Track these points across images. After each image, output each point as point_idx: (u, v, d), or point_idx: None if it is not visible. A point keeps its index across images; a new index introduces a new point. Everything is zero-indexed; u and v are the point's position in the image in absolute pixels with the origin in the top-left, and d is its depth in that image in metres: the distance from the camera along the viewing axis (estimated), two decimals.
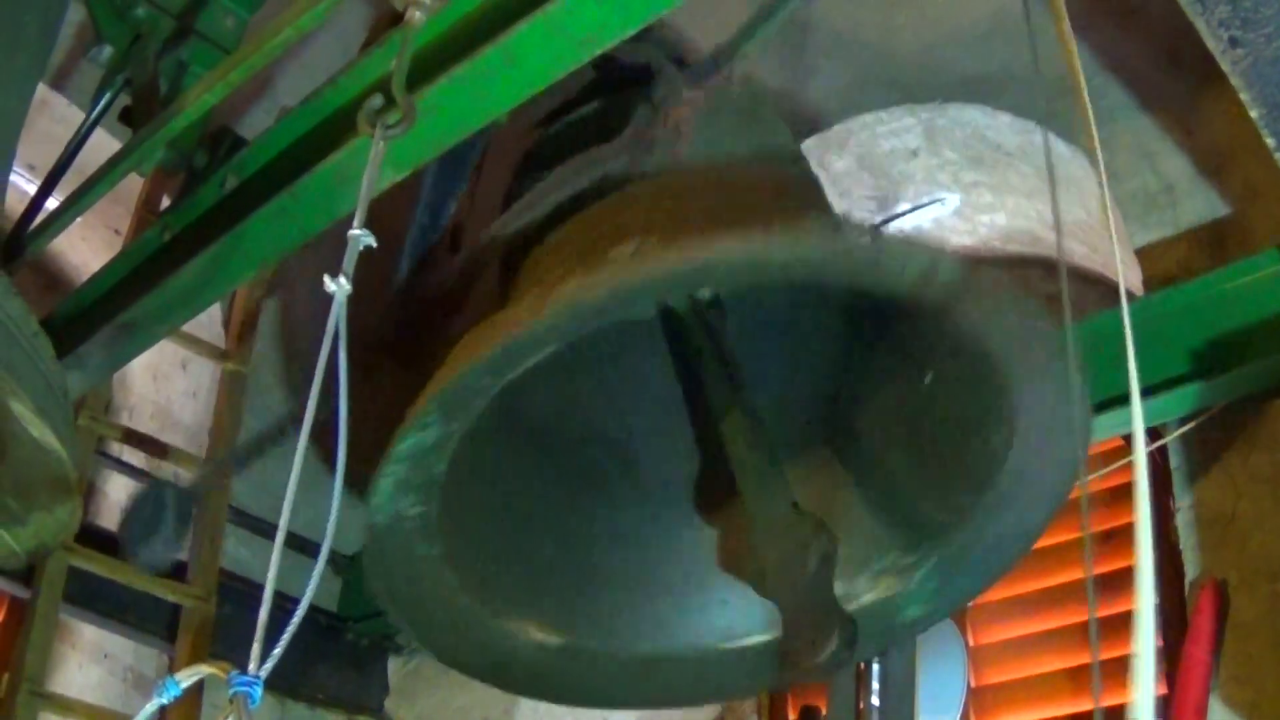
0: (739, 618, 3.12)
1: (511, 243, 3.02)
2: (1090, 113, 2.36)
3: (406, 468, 2.52)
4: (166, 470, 5.01)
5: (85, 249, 5.34)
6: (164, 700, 1.66)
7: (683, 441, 3.27)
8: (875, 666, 3.73)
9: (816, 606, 2.64)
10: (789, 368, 3.17)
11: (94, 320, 3.24)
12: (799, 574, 2.68)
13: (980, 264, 2.54)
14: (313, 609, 1.58)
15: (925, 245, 2.44)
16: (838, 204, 3.26)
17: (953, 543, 2.93)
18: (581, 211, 2.85)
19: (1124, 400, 3.29)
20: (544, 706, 5.00)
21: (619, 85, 3.14)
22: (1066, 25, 2.24)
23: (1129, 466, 3.97)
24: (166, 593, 4.44)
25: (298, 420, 1.77)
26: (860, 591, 3.04)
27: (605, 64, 2.93)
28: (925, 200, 4.86)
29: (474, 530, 2.93)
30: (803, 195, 3.03)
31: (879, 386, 3.06)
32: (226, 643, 4.34)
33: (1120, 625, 4.11)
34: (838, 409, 3.14)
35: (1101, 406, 3.34)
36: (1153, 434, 3.87)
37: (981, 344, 2.59)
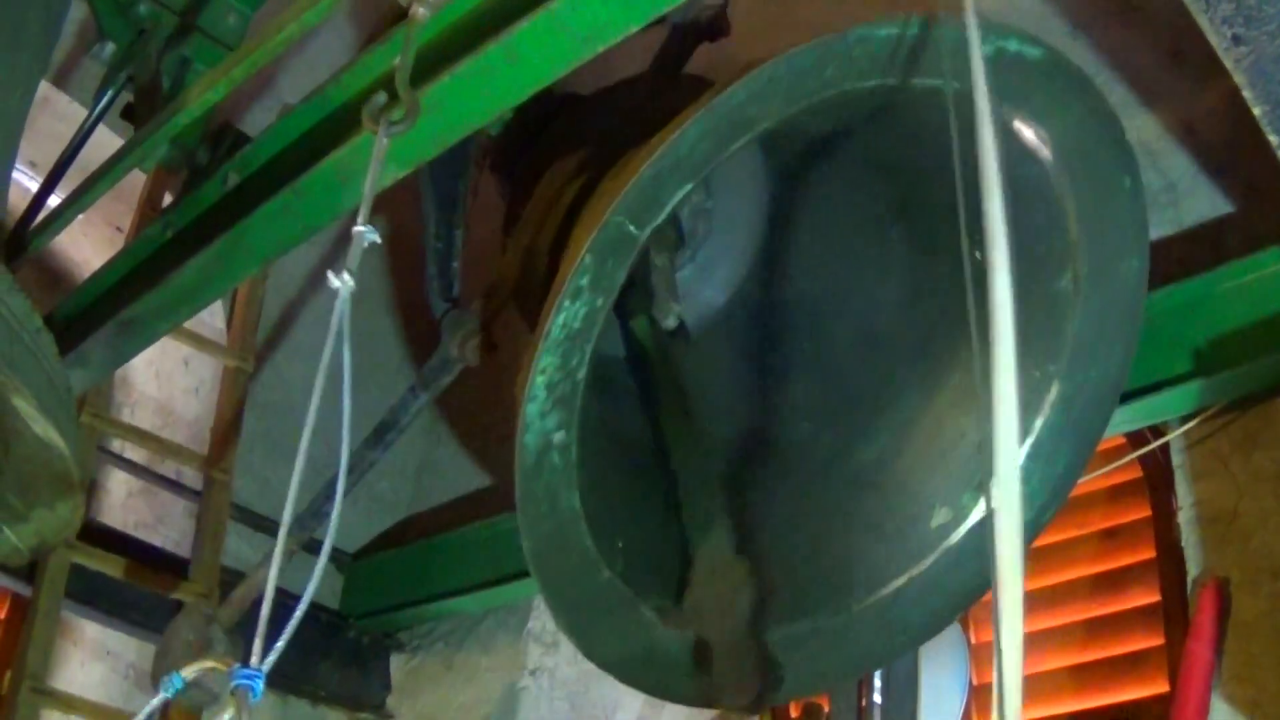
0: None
1: (528, 254, 3.05)
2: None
3: (556, 360, 2.53)
4: (168, 467, 5.01)
5: (87, 246, 5.34)
6: (168, 694, 1.66)
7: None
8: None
9: (745, 650, 2.67)
10: (820, 336, 3.19)
11: (96, 317, 3.24)
12: (730, 617, 2.70)
13: None
14: (314, 605, 1.59)
15: None
16: None
17: (1041, 426, 2.96)
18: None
19: (1124, 398, 3.30)
20: (546, 702, 5.00)
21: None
22: None
23: (1131, 465, 3.99)
24: (168, 589, 4.44)
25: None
26: (968, 510, 3.11)
27: None
28: None
29: (604, 496, 2.89)
30: None
31: (925, 302, 3.10)
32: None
33: (1123, 622, 4.14)
34: (893, 344, 3.16)
35: None
36: (1155, 432, 3.87)
37: (1021, 147, 2.59)
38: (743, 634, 2.72)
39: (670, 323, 3.10)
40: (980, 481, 3.03)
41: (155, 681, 3.50)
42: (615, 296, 2.54)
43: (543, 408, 2.56)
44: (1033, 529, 3.14)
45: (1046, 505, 3.12)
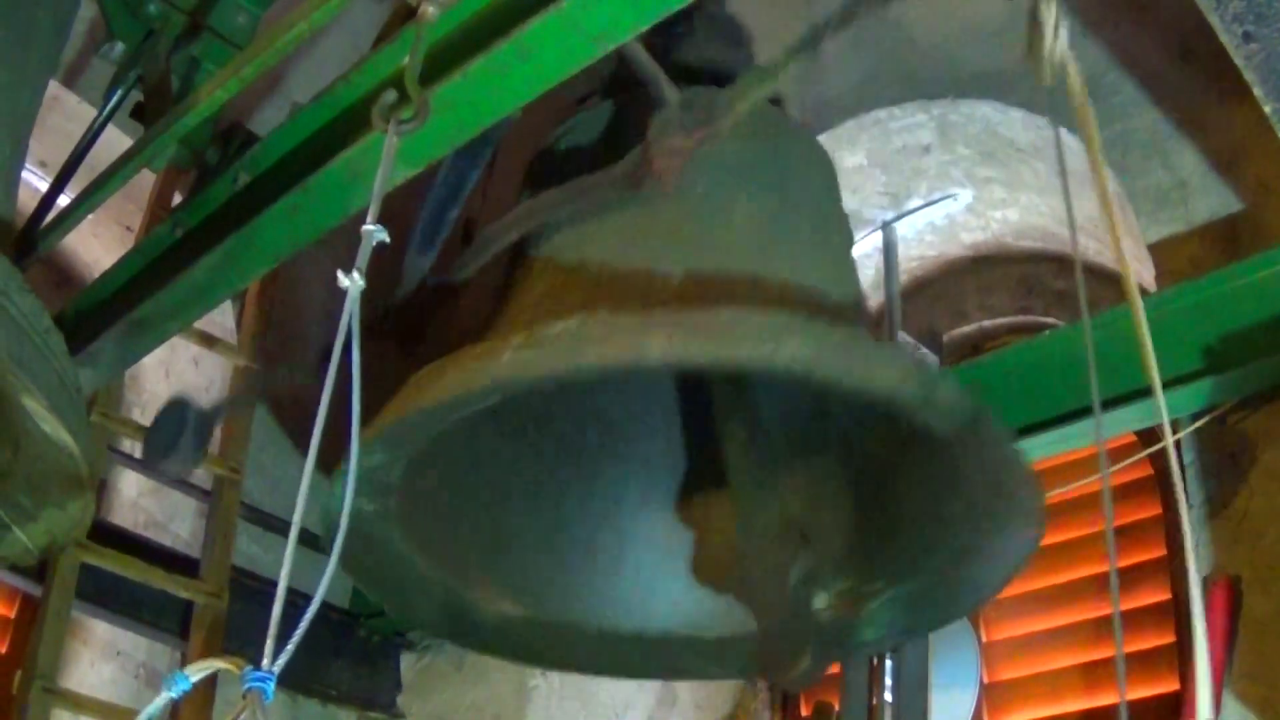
0: (701, 609, 3.20)
1: (516, 244, 3.04)
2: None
3: (357, 484, 2.54)
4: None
5: (97, 246, 5.35)
6: (173, 694, 1.66)
7: (677, 432, 3.30)
8: (889, 662, 3.73)
9: (795, 622, 2.69)
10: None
11: (106, 317, 3.24)
12: (782, 588, 2.72)
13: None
14: (325, 605, 1.58)
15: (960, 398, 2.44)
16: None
17: (911, 584, 2.98)
18: (558, 255, 2.89)
19: (1136, 396, 3.30)
20: (555, 702, 5.00)
21: (636, 83, 3.15)
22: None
23: (1143, 462, 3.99)
24: (179, 589, 4.44)
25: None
26: (820, 606, 3.09)
27: (621, 62, 2.93)
28: (937, 196, 4.86)
29: (440, 508, 3.01)
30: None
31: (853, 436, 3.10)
32: (238, 639, 4.33)
33: (1133, 620, 4.13)
34: (819, 433, 3.18)
35: (1115, 402, 3.35)
36: None
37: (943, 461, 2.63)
38: (793, 607, 2.75)
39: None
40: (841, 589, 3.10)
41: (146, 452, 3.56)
42: (423, 445, 2.64)
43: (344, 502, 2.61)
44: (869, 649, 3.29)
45: (885, 639, 3.36)
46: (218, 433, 4.79)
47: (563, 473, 3.26)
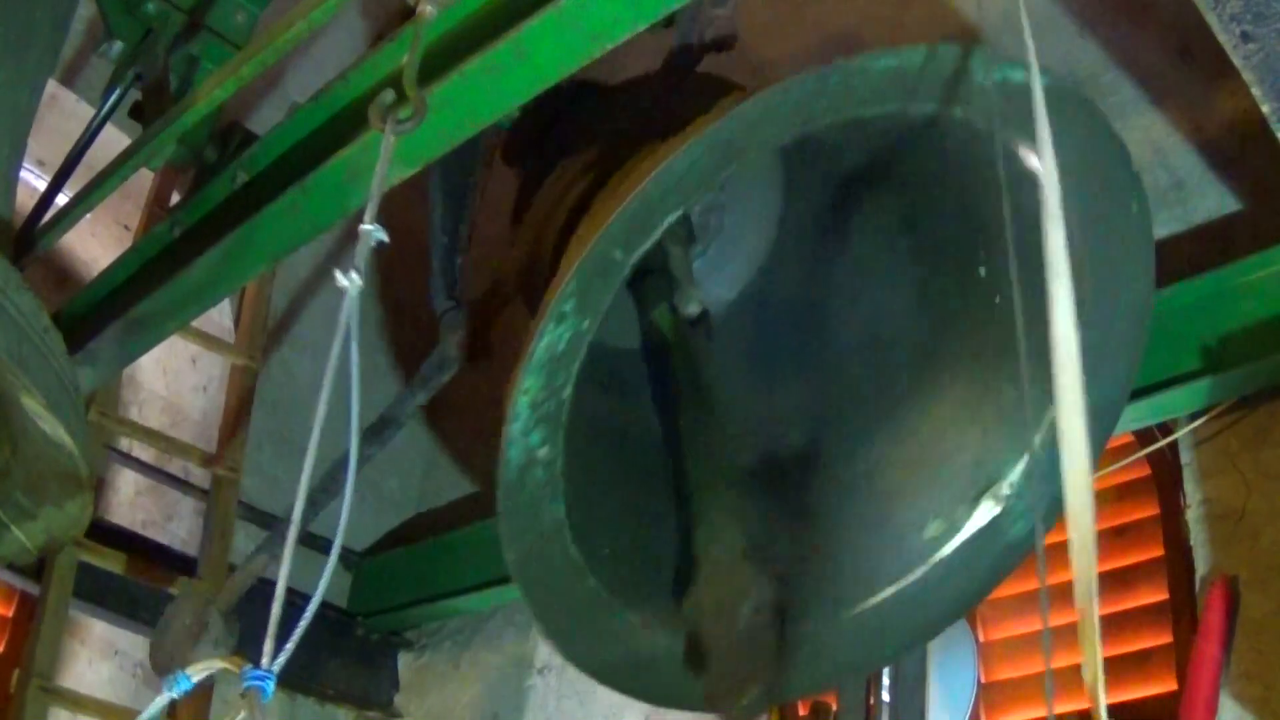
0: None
1: (532, 248, 3.05)
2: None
3: (540, 381, 2.52)
4: (176, 465, 5.02)
5: (95, 245, 5.35)
6: (174, 694, 1.66)
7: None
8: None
9: (744, 654, 2.67)
10: (823, 340, 3.19)
11: (104, 316, 3.24)
12: (731, 621, 2.70)
13: None
14: (323, 604, 1.58)
15: None
16: None
17: (1039, 443, 2.92)
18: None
19: (1132, 396, 3.30)
20: (553, 700, 5.00)
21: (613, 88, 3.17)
22: None
23: (1139, 462, 3.99)
24: (177, 589, 4.44)
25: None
26: (962, 522, 3.08)
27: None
28: None
29: (591, 505, 2.88)
30: None
31: (929, 313, 3.13)
32: (237, 639, 4.34)
33: (1131, 620, 4.13)
34: (895, 353, 3.19)
35: None
36: (1163, 430, 3.87)
37: (1028, 174, 2.59)
38: (742, 638, 2.72)
39: (693, 310, 3.10)
40: (976, 495, 3.05)
41: (155, 665, 3.52)
42: (601, 317, 2.53)
43: (526, 426, 2.55)
44: (1026, 546, 3.16)
45: (1044, 520, 3.13)
46: (215, 432, 4.80)
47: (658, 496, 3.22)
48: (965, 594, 3.20)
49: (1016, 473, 3.00)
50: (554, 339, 2.48)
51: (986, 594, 3.25)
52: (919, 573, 3.12)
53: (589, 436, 2.84)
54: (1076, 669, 4.18)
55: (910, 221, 3.13)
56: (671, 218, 2.47)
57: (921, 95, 2.51)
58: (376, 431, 3.33)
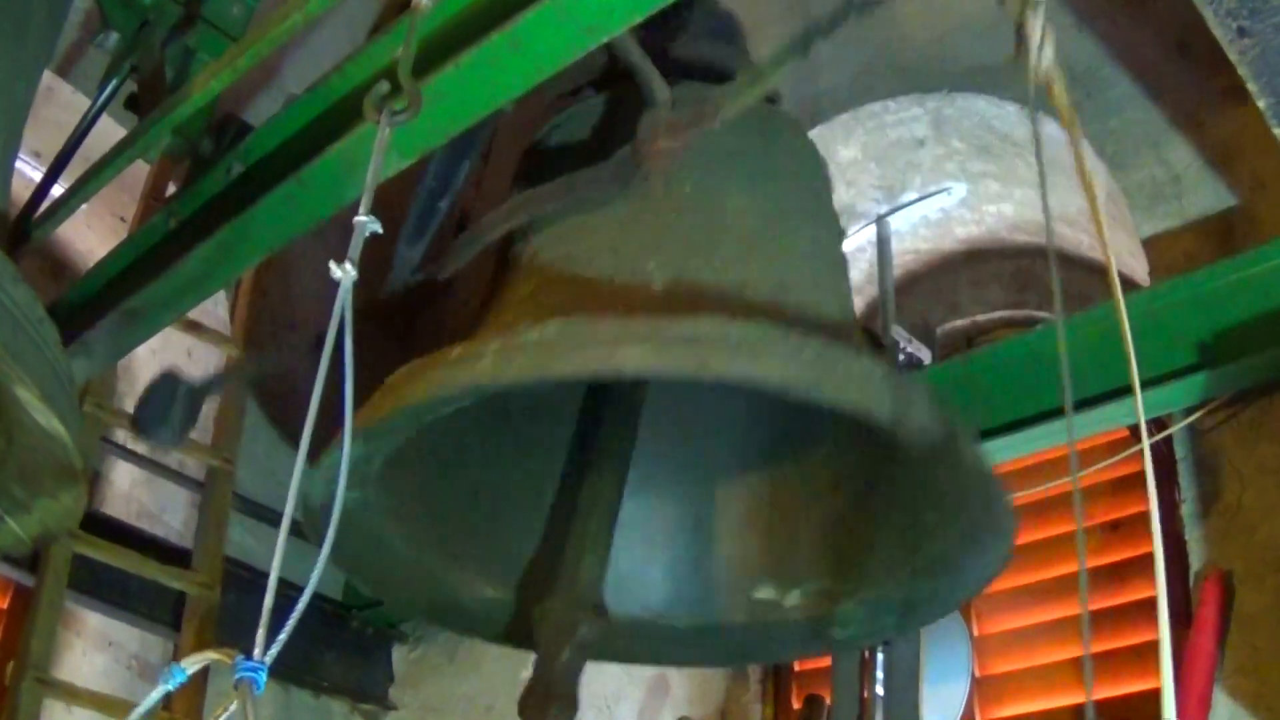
0: (669, 596, 3.27)
1: (505, 240, 3.04)
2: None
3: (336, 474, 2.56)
4: (171, 457, 5.02)
5: (91, 236, 5.34)
6: (169, 686, 1.66)
7: (661, 427, 3.33)
8: (880, 656, 3.73)
9: (555, 685, 2.77)
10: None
11: (100, 307, 3.24)
12: (555, 652, 2.80)
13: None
14: (317, 597, 1.59)
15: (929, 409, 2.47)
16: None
17: (883, 588, 2.99)
18: (544, 253, 2.88)
19: (1127, 391, 3.30)
20: None
21: (629, 76, 3.15)
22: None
23: (1133, 457, 3.99)
24: (171, 580, 4.45)
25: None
26: (793, 602, 3.13)
27: (614, 55, 2.93)
28: (932, 190, 4.86)
29: (423, 494, 3.04)
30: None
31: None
32: (231, 630, 4.33)
33: (1124, 615, 4.14)
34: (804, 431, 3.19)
35: (1105, 398, 3.35)
36: (1158, 424, 3.87)
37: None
38: (562, 663, 2.85)
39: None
40: (813, 589, 3.13)
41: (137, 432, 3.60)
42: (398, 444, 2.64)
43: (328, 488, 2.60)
44: (837, 646, 3.44)
45: (856, 638, 3.29)
46: (210, 424, 4.79)
47: (544, 459, 3.28)
48: (777, 649, 3.37)
49: (854, 597, 3.05)
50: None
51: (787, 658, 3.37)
52: (734, 618, 3.22)
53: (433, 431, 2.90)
54: (1070, 663, 4.20)
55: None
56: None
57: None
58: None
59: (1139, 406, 2.48)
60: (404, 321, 4.34)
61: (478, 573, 3.17)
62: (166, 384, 3.24)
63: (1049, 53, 2.26)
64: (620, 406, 3.15)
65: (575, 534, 2.99)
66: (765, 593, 3.16)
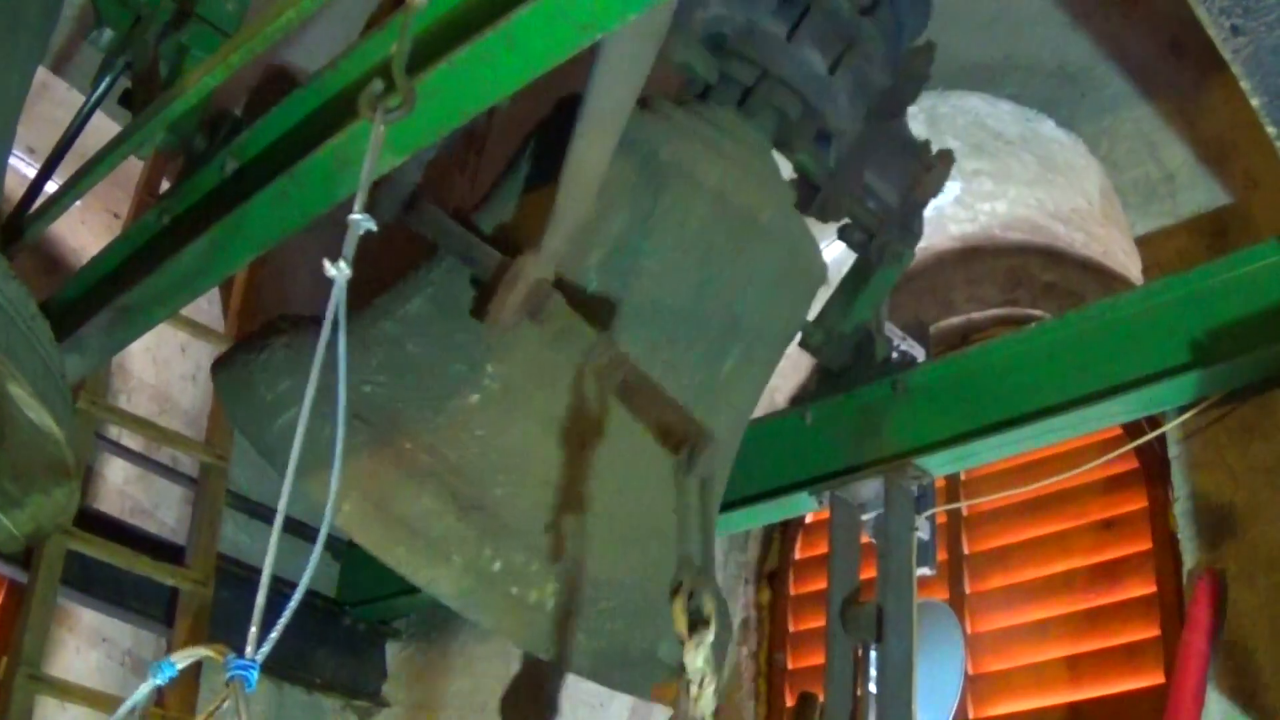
0: None
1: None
2: None
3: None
4: (165, 453, 5.02)
5: (85, 232, 5.34)
6: (159, 681, 1.66)
7: None
8: (873, 653, 3.73)
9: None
10: None
11: (93, 304, 3.23)
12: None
13: None
14: (310, 593, 1.58)
15: None
16: None
17: None
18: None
19: (1120, 389, 3.30)
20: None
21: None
22: None
23: (1127, 456, 3.99)
24: (165, 577, 4.45)
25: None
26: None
27: None
28: None
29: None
30: None
31: None
32: (224, 627, 4.34)
33: (1119, 613, 4.14)
34: None
35: (1098, 396, 3.36)
36: (1151, 423, 3.87)
37: None
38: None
39: None
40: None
41: None
42: None
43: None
44: None
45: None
46: (204, 420, 4.79)
47: None
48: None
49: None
50: None
51: None
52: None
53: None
54: (1066, 660, 4.20)
55: None
56: None
57: None
58: None
59: None
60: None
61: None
62: None
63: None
64: None
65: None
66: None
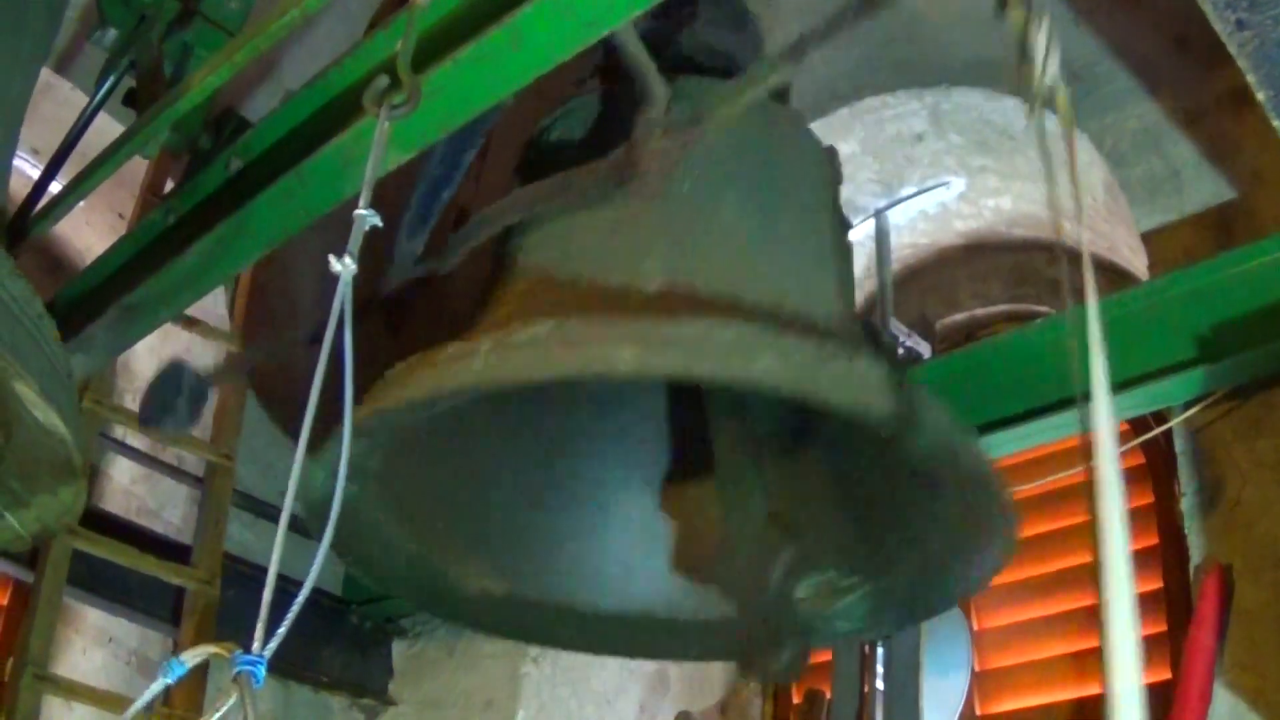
0: (680, 592, 3.25)
1: (502, 237, 3.04)
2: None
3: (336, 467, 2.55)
4: (170, 453, 5.01)
5: (89, 233, 5.34)
6: (169, 680, 1.66)
7: (664, 417, 3.31)
8: (880, 650, 3.73)
9: (777, 615, 2.70)
10: None
11: (98, 303, 3.24)
12: (764, 584, 2.73)
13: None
14: (316, 591, 1.58)
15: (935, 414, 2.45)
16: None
17: (885, 582, 3.00)
18: (540, 252, 2.89)
19: (1126, 385, 3.30)
20: (547, 690, 5.00)
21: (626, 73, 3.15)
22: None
23: (1133, 451, 3.99)
24: (171, 576, 4.44)
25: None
26: (797, 594, 3.10)
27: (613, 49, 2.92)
28: (930, 184, 4.86)
29: (423, 487, 3.03)
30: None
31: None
32: (230, 626, 4.33)
33: None
34: (808, 429, 3.18)
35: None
36: (1157, 418, 3.87)
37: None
38: (772, 602, 2.77)
39: None
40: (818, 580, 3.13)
41: (141, 419, 3.61)
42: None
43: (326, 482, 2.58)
44: (835, 640, 3.46)
45: (855, 632, 3.33)
46: (209, 419, 4.79)
47: (547, 452, 3.28)
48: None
49: (856, 591, 3.08)
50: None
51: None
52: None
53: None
54: (1070, 657, 4.20)
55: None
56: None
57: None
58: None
59: None
60: (401, 315, 4.33)
61: (478, 564, 3.16)
62: (171, 373, 3.24)
63: (1054, 66, 2.24)
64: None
65: (720, 464, 3.00)
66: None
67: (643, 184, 2.67)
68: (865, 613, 3.08)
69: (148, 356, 5.38)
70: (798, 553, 2.81)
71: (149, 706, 1.73)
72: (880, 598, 3.04)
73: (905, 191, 4.98)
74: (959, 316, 5.21)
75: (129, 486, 5.26)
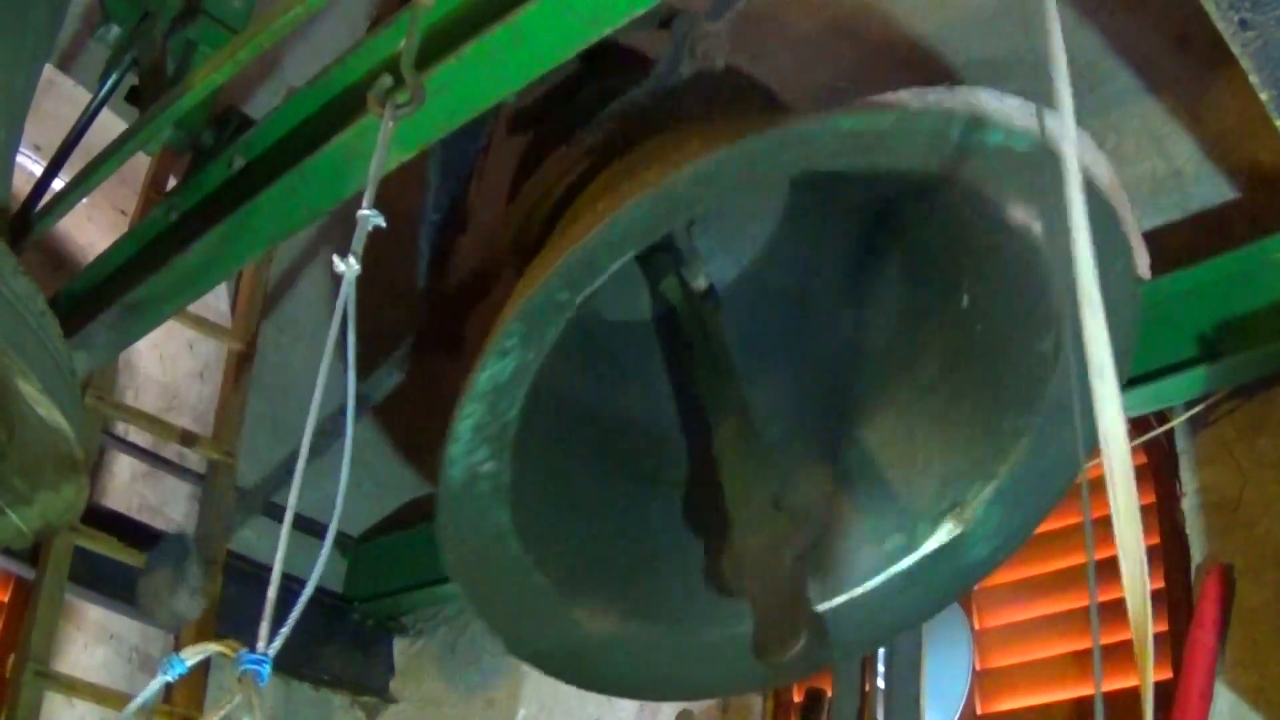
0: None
1: (523, 226, 3.03)
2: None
3: (484, 407, 2.53)
4: (172, 450, 5.02)
5: (92, 229, 5.34)
6: (169, 677, 1.66)
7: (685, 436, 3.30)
8: (881, 649, 3.73)
9: (787, 604, 2.66)
10: (808, 336, 3.19)
11: (101, 300, 3.24)
12: (772, 571, 2.70)
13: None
14: (318, 589, 1.58)
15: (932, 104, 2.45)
16: None
17: (1006, 473, 2.96)
18: (603, 171, 2.87)
19: (1128, 384, 3.29)
20: (548, 687, 5.00)
21: (616, 69, 3.15)
22: None
23: (1135, 450, 3.98)
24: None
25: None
26: (922, 539, 3.10)
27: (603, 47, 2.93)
28: None
29: (543, 506, 2.94)
30: None
31: (911, 331, 3.09)
32: (231, 624, 4.33)
33: (1125, 609, 4.12)
34: (875, 363, 3.16)
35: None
36: (1159, 418, 3.87)
37: (1011, 223, 2.61)
38: (785, 586, 2.73)
39: (700, 284, 3.11)
40: (938, 514, 3.06)
41: (140, 607, 3.57)
42: (547, 350, 2.55)
43: (469, 446, 2.57)
44: (985, 568, 3.24)
45: (1001, 549, 3.16)
46: (212, 417, 4.79)
47: (628, 485, 3.25)
48: (915, 610, 3.29)
49: (982, 498, 3.01)
50: (497, 371, 2.49)
51: (936, 612, 3.29)
52: (873, 583, 3.14)
53: (549, 435, 2.86)
54: (1072, 656, 4.19)
55: (902, 244, 3.13)
56: (619, 262, 2.47)
57: (892, 152, 2.51)
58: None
59: None
60: (455, 326, 4.29)
61: (598, 603, 3.07)
62: (171, 554, 3.23)
63: None
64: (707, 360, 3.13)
65: (727, 470, 2.94)
66: (893, 541, 3.15)
67: (708, 65, 2.72)
68: (999, 522, 3.06)
69: (150, 353, 5.39)
70: (806, 538, 2.78)
71: (150, 704, 1.73)
72: (1007, 494, 3.02)
73: None
74: None
75: (131, 483, 5.27)
